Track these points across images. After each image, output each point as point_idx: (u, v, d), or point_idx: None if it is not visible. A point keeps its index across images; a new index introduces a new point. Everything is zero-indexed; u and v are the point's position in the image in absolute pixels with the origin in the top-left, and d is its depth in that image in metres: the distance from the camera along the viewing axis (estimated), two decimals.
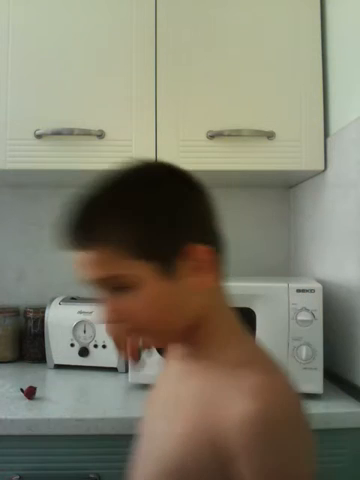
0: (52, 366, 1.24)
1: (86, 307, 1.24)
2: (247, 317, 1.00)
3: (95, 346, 1.21)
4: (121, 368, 1.20)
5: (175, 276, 0.55)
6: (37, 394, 1.01)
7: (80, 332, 1.22)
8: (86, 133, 1.13)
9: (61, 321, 1.24)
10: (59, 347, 1.23)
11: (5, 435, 0.88)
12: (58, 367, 1.24)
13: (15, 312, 1.34)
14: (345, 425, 0.90)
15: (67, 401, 0.97)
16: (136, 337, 0.65)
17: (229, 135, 1.14)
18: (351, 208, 1.02)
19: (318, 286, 0.97)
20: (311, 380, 0.96)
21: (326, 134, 1.18)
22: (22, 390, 0.99)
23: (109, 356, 1.21)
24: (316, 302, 0.97)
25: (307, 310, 0.97)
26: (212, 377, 0.56)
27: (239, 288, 1.00)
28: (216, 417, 0.51)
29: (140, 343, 0.66)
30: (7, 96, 1.15)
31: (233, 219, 1.49)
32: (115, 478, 0.90)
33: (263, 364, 0.56)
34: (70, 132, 1.13)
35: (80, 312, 1.23)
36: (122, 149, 1.15)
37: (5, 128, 1.15)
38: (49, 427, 0.88)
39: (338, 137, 1.10)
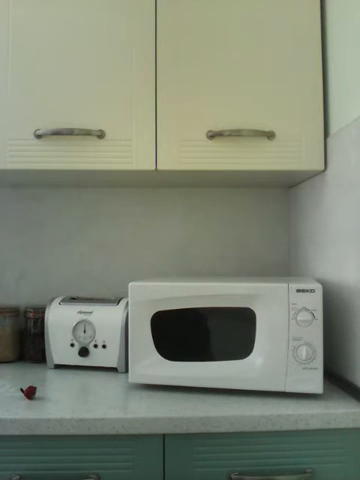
0: (52, 366, 1.24)
1: (86, 307, 1.24)
2: (247, 317, 1.00)
3: (95, 346, 1.22)
4: (121, 368, 1.20)
5: None
6: (37, 394, 1.01)
7: (80, 332, 1.22)
8: (86, 133, 1.13)
9: (61, 321, 1.24)
10: (59, 347, 1.23)
11: (5, 435, 0.88)
12: (58, 367, 1.25)
13: (15, 312, 1.34)
14: (345, 425, 0.91)
15: (67, 401, 0.97)
16: None
17: (229, 135, 1.14)
18: (351, 208, 1.02)
19: (318, 286, 0.97)
20: (311, 380, 0.96)
21: (326, 134, 1.18)
22: (22, 390, 0.99)
23: (109, 356, 1.21)
24: (316, 302, 0.97)
25: (307, 310, 0.97)
26: None
27: (239, 288, 1.00)
28: None
29: None
30: (7, 96, 1.15)
31: (233, 219, 1.49)
32: (115, 478, 0.90)
33: None
34: (70, 132, 1.13)
35: (80, 312, 1.23)
36: (122, 149, 1.15)
37: (5, 128, 1.15)
38: (49, 427, 0.88)
39: (338, 137, 1.10)
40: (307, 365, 0.96)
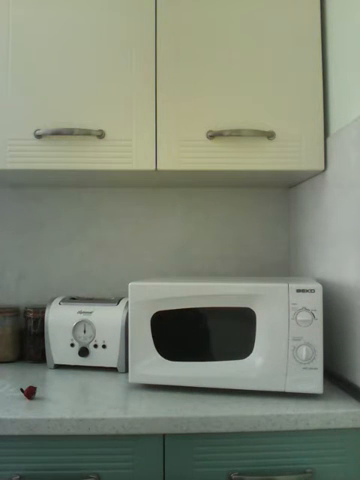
0: (52, 366, 1.24)
1: (86, 307, 1.24)
2: (247, 317, 1.00)
3: (95, 346, 1.22)
4: (121, 368, 1.20)
5: None
6: (37, 394, 1.01)
7: (80, 332, 1.22)
8: (86, 133, 1.13)
9: (61, 321, 1.24)
10: (59, 347, 1.23)
11: (5, 435, 0.88)
12: (58, 367, 1.25)
13: (15, 312, 1.34)
14: (345, 425, 0.91)
15: (67, 401, 0.97)
16: None
17: (229, 135, 1.14)
18: (351, 208, 1.02)
19: (318, 286, 0.97)
20: (311, 380, 0.96)
21: (326, 134, 1.18)
22: (22, 390, 0.99)
23: (109, 356, 1.21)
24: (316, 302, 0.97)
25: (307, 310, 0.97)
26: None
27: (239, 288, 1.00)
28: None
29: None
30: (7, 96, 1.15)
31: (233, 219, 1.49)
32: (115, 478, 0.90)
33: None
34: (70, 132, 1.13)
35: (80, 312, 1.23)
36: (122, 149, 1.15)
37: (5, 128, 1.15)
38: (49, 427, 0.88)
39: (338, 137, 1.10)
40: (307, 365, 0.96)
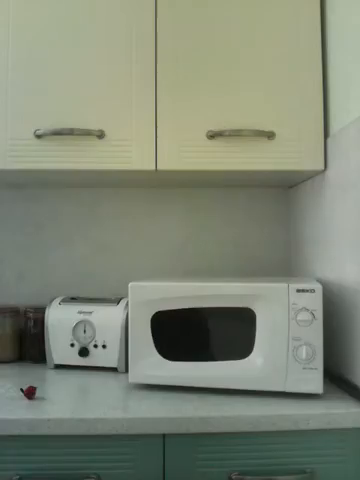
0: (52, 366, 1.24)
1: (86, 307, 1.24)
2: (247, 317, 1.00)
3: (95, 346, 1.22)
4: (121, 368, 1.20)
5: None
6: (37, 394, 1.01)
7: (80, 332, 1.22)
8: (86, 133, 1.13)
9: (61, 321, 1.24)
10: (59, 347, 1.23)
11: (5, 435, 0.88)
12: (58, 367, 1.24)
13: (15, 312, 1.34)
14: (345, 425, 0.90)
15: (67, 401, 0.97)
16: None
17: (229, 135, 1.14)
18: (351, 208, 1.02)
19: (318, 286, 0.97)
20: (311, 380, 0.96)
21: (326, 134, 1.18)
22: (22, 390, 0.99)
23: (109, 356, 1.21)
24: (316, 302, 0.97)
25: (307, 310, 0.97)
26: None
27: (239, 288, 1.00)
28: None
29: None
30: (7, 96, 1.15)
31: (233, 219, 1.49)
32: (115, 478, 0.90)
33: None
34: (70, 132, 1.13)
35: (80, 312, 1.23)
36: (122, 149, 1.15)
37: (5, 128, 1.15)
38: (49, 427, 0.88)
39: (338, 137, 1.10)
40: (307, 365, 0.96)
